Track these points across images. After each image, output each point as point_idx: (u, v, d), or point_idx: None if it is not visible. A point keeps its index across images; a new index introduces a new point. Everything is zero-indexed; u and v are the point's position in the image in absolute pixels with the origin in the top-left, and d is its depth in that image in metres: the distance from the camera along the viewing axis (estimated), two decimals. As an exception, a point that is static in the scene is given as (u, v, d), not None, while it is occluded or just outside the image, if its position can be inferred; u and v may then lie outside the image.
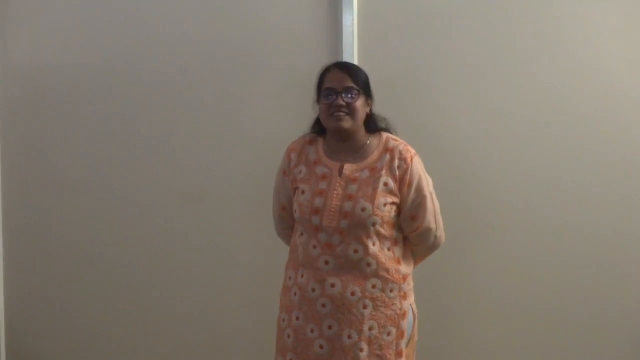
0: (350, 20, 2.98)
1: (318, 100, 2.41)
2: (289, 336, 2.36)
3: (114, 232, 3.18)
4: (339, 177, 2.35)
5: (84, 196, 3.18)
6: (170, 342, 3.17)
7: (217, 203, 3.11)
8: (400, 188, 2.33)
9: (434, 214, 2.39)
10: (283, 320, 2.41)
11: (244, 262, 3.09)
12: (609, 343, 3.01)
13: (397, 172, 2.33)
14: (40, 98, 3.20)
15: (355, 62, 2.91)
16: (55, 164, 3.20)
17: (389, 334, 2.31)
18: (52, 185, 3.20)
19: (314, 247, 2.32)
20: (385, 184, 2.32)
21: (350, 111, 2.33)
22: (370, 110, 2.43)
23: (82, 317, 3.21)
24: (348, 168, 2.36)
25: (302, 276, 2.36)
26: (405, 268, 2.38)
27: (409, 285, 2.39)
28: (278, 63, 3.06)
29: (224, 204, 3.10)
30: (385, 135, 2.43)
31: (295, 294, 2.37)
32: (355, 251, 2.28)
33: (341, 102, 2.32)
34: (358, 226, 2.28)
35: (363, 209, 2.28)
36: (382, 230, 2.31)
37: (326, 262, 2.30)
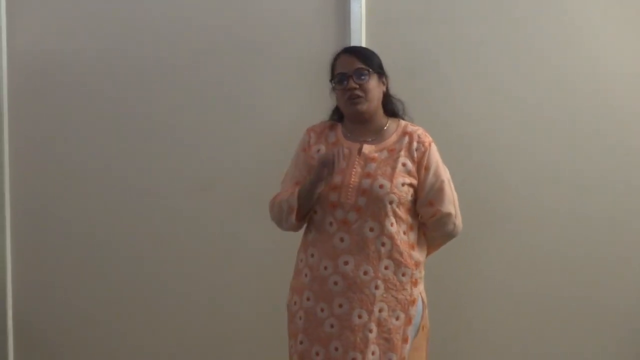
0: (358, 7, 2.99)
1: (334, 88, 2.41)
2: (300, 318, 2.33)
3: (122, 221, 3.13)
4: (358, 157, 2.34)
5: (91, 184, 3.14)
6: (180, 330, 3.12)
7: (227, 192, 3.07)
8: (417, 171, 2.34)
9: (453, 200, 2.39)
10: (295, 303, 2.37)
11: (255, 250, 3.05)
12: (618, 332, 3.02)
13: (415, 155, 2.34)
14: (48, 86, 3.16)
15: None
16: (63, 153, 3.16)
17: (397, 318, 2.29)
18: (60, 173, 3.16)
19: (330, 224, 2.30)
20: (404, 165, 2.32)
21: (364, 92, 2.33)
22: (387, 89, 2.43)
23: (90, 306, 3.17)
24: (367, 148, 2.35)
25: (312, 256, 2.34)
26: (418, 255, 2.36)
27: (421, 273, 2.38)
28: (286, 51, 3.05)
29: (234, 193, 3.07)
30: (402, 121, 2.45)
31: (306, 275, 2.35)
32: (371, 229, 2.27)
33: (353, 85, 2.32)
34: (375, 203, 2.26)
35: (381, 186, 2.27)
36: (399, 212, 2.30)
37: (341, 240, 2.28)
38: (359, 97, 2.33)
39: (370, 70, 2.35)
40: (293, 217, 2.33)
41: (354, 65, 2.34)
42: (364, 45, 2.96)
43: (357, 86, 2.32)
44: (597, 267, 3.00)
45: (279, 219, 2.40)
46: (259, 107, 3.05)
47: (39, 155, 3.17)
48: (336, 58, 2.41)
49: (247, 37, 3.06)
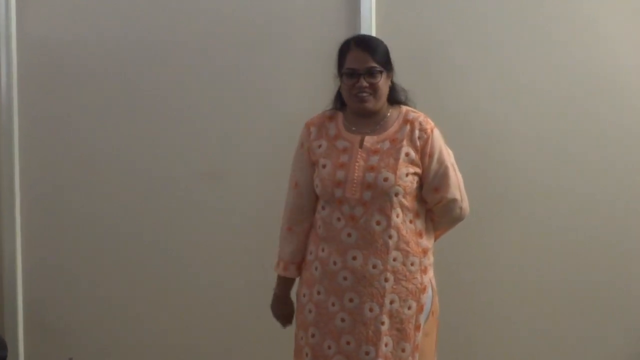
0: (369, -6, 2.96)
1: (339, 73, 2.38)
2: (310, 311, 2.35)
3: (132, 206, 3.17)
4: (360, 149, 2.33)
5: (101, 171, 3.18)
6: (187, 314, 3.17)
7: (239, 179, 3.10)
8: (421, 159, 2.32)
9: (458, 185, 2.37)
10: (304, 295, 2.39)
11: (265, 239, 3.04)
12: (629, 317, 2.98)
13: (417, 143, 2.32)
14: (58, 71, 3.19)
15: (373, 35, 2.87)
16: (73, 138, 3.20)
17: (409, 308, 2.30)
18: (69, 160, 3.20)
19: (338, 219, 2.30)
20: (407, 155, 2.30)
21: (374, 91, 2.31)
22: (392, 81, 2.40)
23: (100, 290, 3.21)
24: (369, 140, 2.34)
25: (322, 250, 2.34)
26: (426, 242, 2.36)
27: (429, 260, 2.37)
28: (296, 37, 3.05)
29: (246, 180, 3.09)
30: (404, 107, 2.41)
31: (316, 269, 2.36)
32: (378, 223, 2.26)
33: (364, 84, 2.29)
34: (381, 197, 2.26)
35: (385, 179, 2.26)
36: (405, 202, 2.29)
37: (349, 235, 2.28)
38: (368, 94, 2.31)
39: (382, 70, 2.32)
40: None
41: (366, 63, 2.29)
42: (374, 29, 2.94)
43: (368, 85, 2.30)
44: (609, 251, 2.95)
45: None
46: (270, 95, 3.06)
47: (49, 142, 3.20)
48: (346, 49, 2.35)
49: (257, 25, 3.06)
